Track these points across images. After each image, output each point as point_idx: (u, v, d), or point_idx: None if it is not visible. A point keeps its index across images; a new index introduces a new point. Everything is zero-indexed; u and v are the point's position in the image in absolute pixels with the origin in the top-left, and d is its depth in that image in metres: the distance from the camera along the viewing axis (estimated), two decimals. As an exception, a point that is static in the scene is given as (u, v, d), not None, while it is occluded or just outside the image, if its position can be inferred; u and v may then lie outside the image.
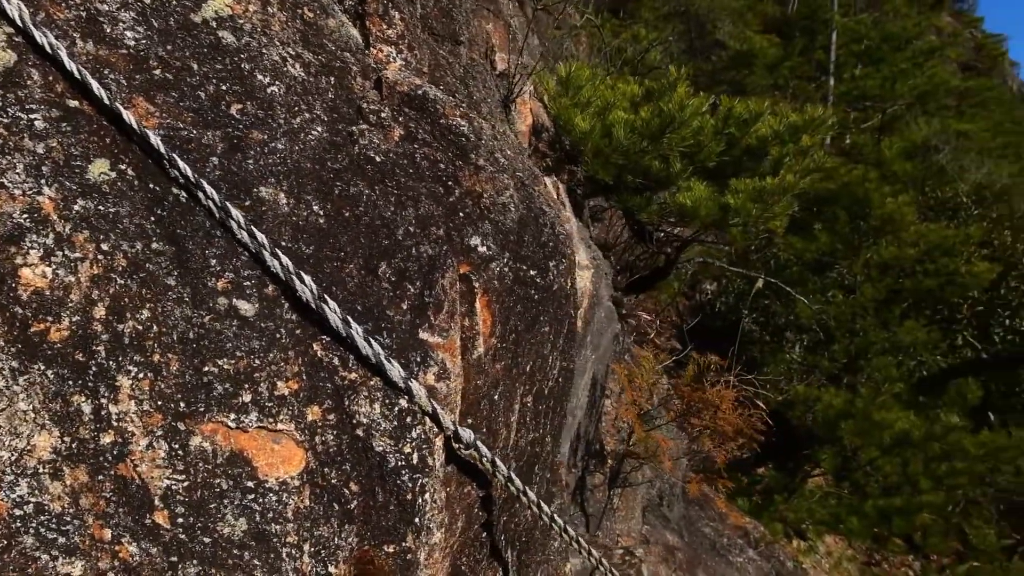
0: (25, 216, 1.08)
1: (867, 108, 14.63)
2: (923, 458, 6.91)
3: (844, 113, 14.97)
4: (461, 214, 1.53)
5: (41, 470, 1.02)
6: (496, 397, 1.61)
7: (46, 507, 1.01)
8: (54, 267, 1.08)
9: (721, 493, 5.82)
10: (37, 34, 1.17)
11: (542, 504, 1.65)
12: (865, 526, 6.84)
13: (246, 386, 1.18)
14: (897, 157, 9.78)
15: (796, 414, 7.50)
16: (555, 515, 1.81)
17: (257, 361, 1.19)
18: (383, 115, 1.55)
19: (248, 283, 1.23)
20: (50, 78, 1.18)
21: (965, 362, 9.00)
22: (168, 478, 1.10)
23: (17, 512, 1.00)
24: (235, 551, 1.11)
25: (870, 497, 6.89)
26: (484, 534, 1.72)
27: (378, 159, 1.47)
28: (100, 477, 1.06)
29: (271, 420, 1.18)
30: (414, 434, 1.31)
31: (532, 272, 1.68)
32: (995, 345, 9.75)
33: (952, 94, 15.46)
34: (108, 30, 1.26)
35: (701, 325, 10.97)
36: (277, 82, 1.41)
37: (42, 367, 1.05)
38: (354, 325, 1.27)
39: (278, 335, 1.22)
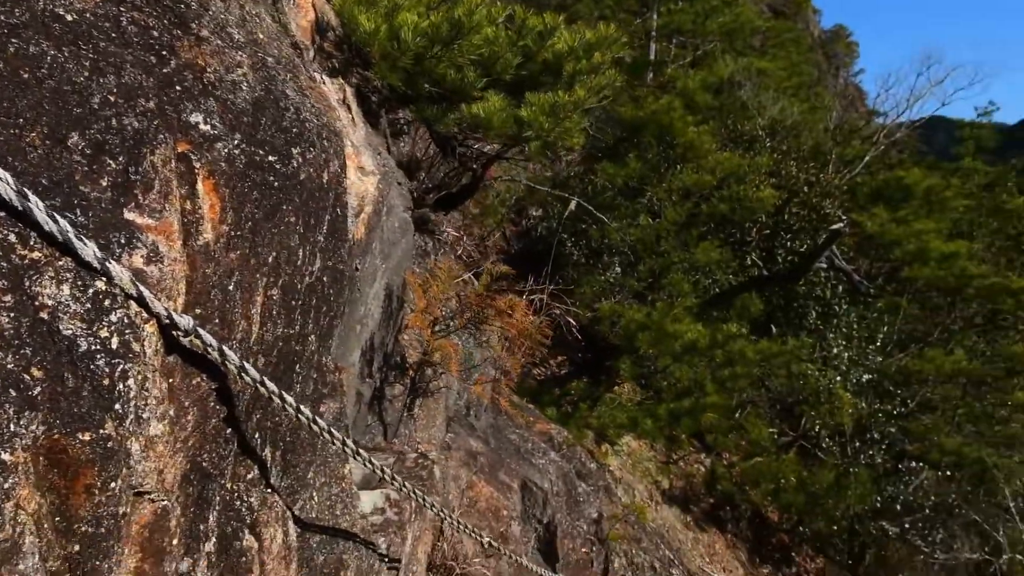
0: None
1: (685, 44, 15.45)
2: (709, 365, 7.72)
3: (666, 48, 15.72)
4: (178, 88, 1.42)
5: None
6: (231, 287, 1.55)
7: None
8: None
9: (505, 396, 6.14)
10: None
11: (285, 396, 1.63)
12: (659, 427, 7.58)
13: None
14: (699, 89, 10.47)
15: (603, 329, 8.05)
16: (317, 417, 1.81)
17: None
18: (81, -31, 1.38)
19: None
20: None
21: (751, 279, 10.07)
22: None
23: None
24: None
25: (664, 401, 7.63)
26: (228, 430, 1.68)
27: (69, 18, 1.31)
28: None
29: (-78, 300, 1.05)
30: (113, 318, 1.22)
31: (271, 158, 1.60)
32: (777, 264, 10.99)
33: (757, 34, 16.70)
34: None
35: (526, 249, 11.32)
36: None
37: None
38: (33, 198, 1.14)
39: (-69, 207, 1.08)
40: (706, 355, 7.41)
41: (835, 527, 8.60)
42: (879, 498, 8.49)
